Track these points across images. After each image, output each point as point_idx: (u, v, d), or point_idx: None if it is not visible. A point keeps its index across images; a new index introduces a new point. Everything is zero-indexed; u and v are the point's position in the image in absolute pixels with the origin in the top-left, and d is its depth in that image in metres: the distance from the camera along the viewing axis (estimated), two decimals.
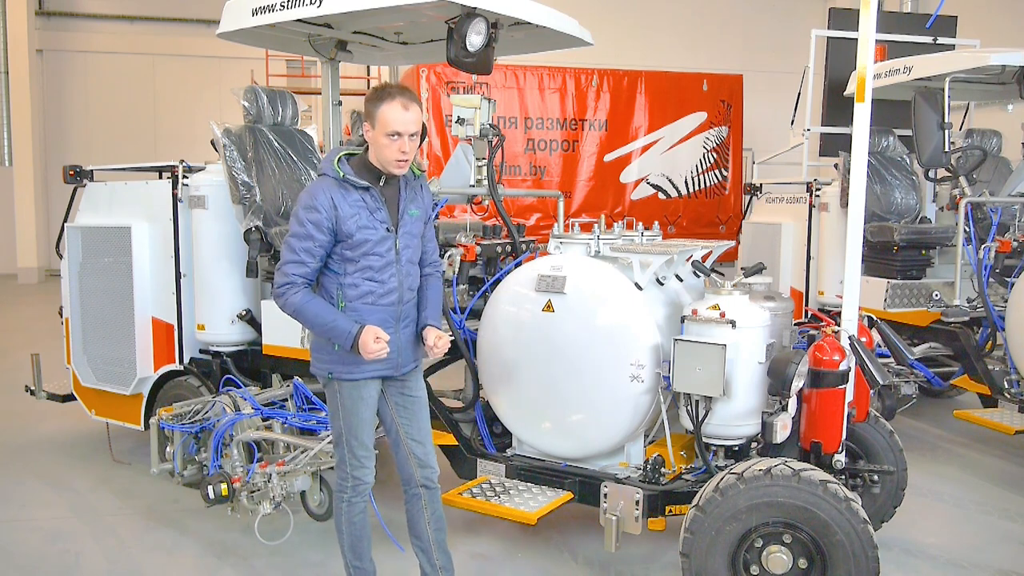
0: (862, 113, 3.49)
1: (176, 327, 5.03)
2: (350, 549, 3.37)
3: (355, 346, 3.07)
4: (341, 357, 3.17)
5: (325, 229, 3.07)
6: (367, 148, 3.18)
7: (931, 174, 6.50)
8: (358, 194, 3.12)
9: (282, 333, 4.61)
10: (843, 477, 3.55)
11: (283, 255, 3.13)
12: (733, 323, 3.48)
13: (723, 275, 3.86)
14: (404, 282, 3.24)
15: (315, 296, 3.14)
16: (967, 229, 5.88)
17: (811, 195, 7.11)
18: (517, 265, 4.37)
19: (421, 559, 3.46)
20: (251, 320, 4.87)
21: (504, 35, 4.33)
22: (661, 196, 12.36)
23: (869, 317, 4.29)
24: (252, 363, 4.93)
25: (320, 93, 5.47)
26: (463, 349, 4.26)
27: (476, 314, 4.30)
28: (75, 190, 5.58)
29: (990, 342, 5.74)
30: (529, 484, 4.01)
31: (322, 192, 3.08)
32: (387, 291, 3.19)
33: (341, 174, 3.10)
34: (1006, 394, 5.51)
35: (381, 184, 3.18)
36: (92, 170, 5.50)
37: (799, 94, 9.09)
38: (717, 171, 12.68)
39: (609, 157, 11.97)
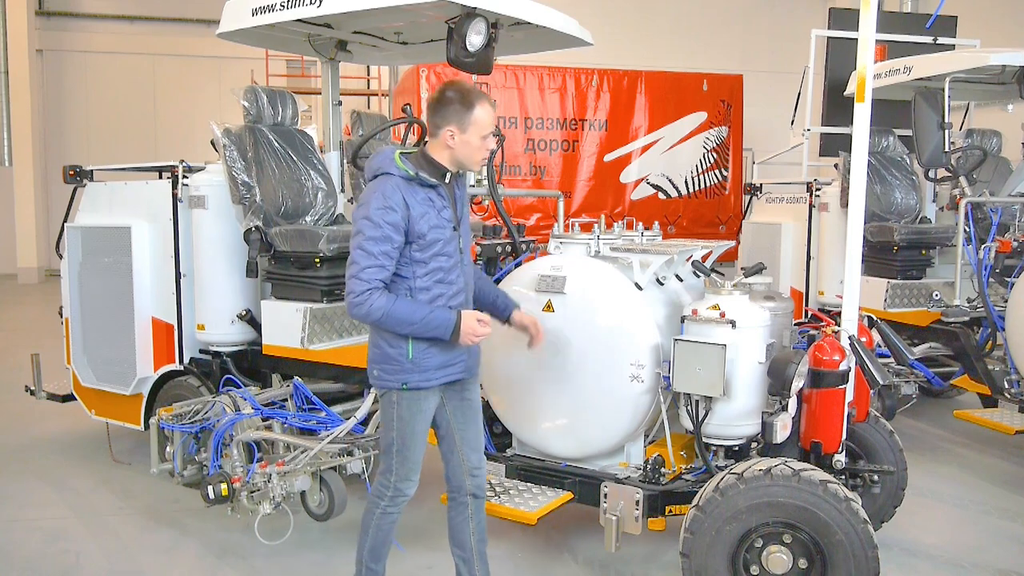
0: (862, 113, 3.49)
1: (176, 327, 5.02)
2: (370, 551, 3.30)
3: (455, 334, 2.98)
4: (416, 364, 3.07)
5: (401, 229, 2.96)
6: (423, 147, 3.13)
7: (931, 174, 6.50)
8: (425, 193, 3.04)
9: (282, 333, 4.62)
10: (843, 477, 3.55)
11: (356, 260, 2.95)
12: (733, 323, 3.48)
13: (723, 275, 3.86)
14: (469, 282, 3.20)
15: (398, 296, 3.00)
16: (967, 229, 5.88)
17: (811, 195, 7.11)
18: (517, 265, 4.37)
19: (460, 568, 3.41)
20: (251, 320, 4.87)
21: (504, 35, 4.33)
22: (661, 196, 12.37)
23: (869, 317, 4.28)
24: (252, 363, 4.93)
25: (320, 93, 5.47)
26: None
27: None
28: (75, 190, 5.58)
29: (990, 342, 5.74)
30: (529, 484, 4.01)
31: (394, 191, 2.97)
32: (456, 292, 3.12)
33: (412, 172, 3.02)
34: (1006, 394, 5.51)
35: (446, 182, 3.12)
36: (92, 170, 5.50)
37: (799, 94, 9.10)
38: (717, 171, 12.68)
39: (609, 157, 11.98)
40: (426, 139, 3.20)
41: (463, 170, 3.16)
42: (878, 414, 4.25)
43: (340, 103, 5.39)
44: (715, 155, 12.63)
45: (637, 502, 3.64)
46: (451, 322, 2.98)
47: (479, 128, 3.02)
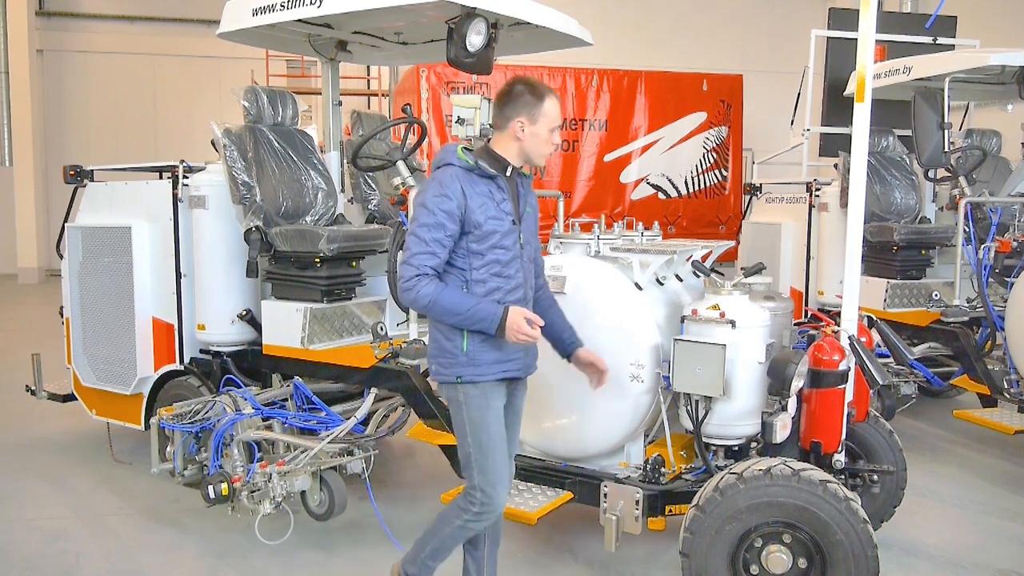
0: (862, 113, 3.49)
1: (176, 327, 5.02)
2: (433, 552, 3.20)
3: (500, 329, 2.91)
4: (471, 359, 3.01)
5: (456, 218, 2.94)
6: (485, 142, 3.16)
7: (931, 174, 6.50)
8: (485, 184, 3.03)
9: (282, 333, 4.62)
10: (843, 477, 3.55)
11: (410, 247, 2.95)
12: (733, 323, 3.48)
13: (723, 275, 3.86)
14: (528, 279, 3.16)
15: (447, 285, 2.97)
16: (967, 229, 5.88)
17: (811, 195, 7.11)
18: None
19: (469, 566, 3.36)
20: (251, 320, 4.87)
21: (504, 35, 4.33)
22: (661, 196, 12.37)
23: (869, 317, 4.29)
24: (252, 363, 4.93)
25: (320, 93, 5.47)
26: None
27: None
28: (75, 190, 5.58)
29: (990, 342, 5.74)
30: (529, 484, 4.01)
31: (452, 180, 2.97)
32: (514, 287, 3.07)
33: (471, 162, 3.01)
34: (1006, 394, 5.51)
35: (507, 175, 3.10)
36: (92, 170, 5.50)
37: (799, 94, 9.10)
38: (717, 171, 12.69)
39: (609, 157, 11.98)
40: (487, 135, 3.22)
41: (529, 164, 3.15)
42: (878, 414, 4.25)
43: (340, 103, 5.40)
44: (715, 155, 12.63)
45: (637, 502, 3.64)
46: (496, 316, 2.91)
47: (548, 120, 3.04)
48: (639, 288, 3.79)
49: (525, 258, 3.13)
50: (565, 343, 3.39)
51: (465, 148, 3.09)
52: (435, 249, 2.93)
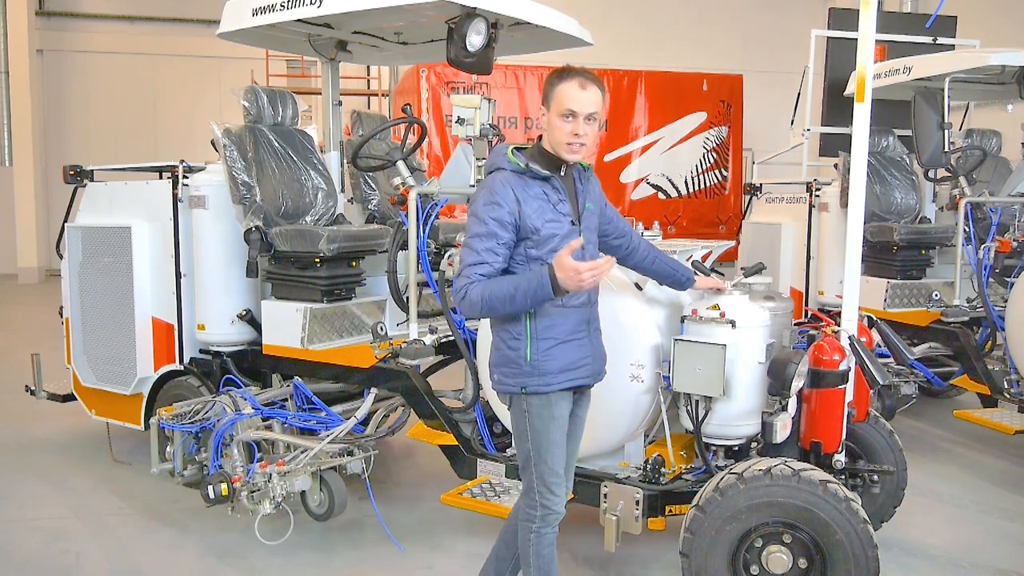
0: (862, 113, 3.49)
1: (176, 327, 5.02)
2: (538, 572, 3.06)
3: (555, 286, 2.68)
4: (535, 368, 2.89)
5: (509, 226, 2.80)
6: (538, 140, 3.00)
7: (931, 174, 6.50)
8: (539, 186, 2.88)
9: (282, 333, 4.62)
10: (843, 477, 3.55)
11: (463, 258, 2.85)
12: (733, 323, 3.48)
13: (723, 275, 3.86)
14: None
15: (492, 279, 2.82)
16: (967, 229, 5.88)
17: (811, 195, 7.11)
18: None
19: (499, 565, 3.31)
20: (251, 320, 4.87)
21: (504, 35, 4.33)
22: (661, 196, 12.38)
23: (869, 317, 4.28)
24: (252, 363, 4.93)
25: (320, 93, 5.47)
26: (463, 349, 4.26)
27: None
28: (75, 190, 5.58)
29: (990, 342, 5.74)
30: None
31: (503, 186, 2.83)
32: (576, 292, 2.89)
33: (522, 164, 2.87)
34: (1006, 394, 5.51)
35: (561, 174, 2.96)
36: (92, 170, 5.50)
37: (799, 94, 9.10)
38: (717, 171, 12.70)
39: (609, 157, 11.99)
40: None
41: (560, 157, 2.91)
42: (878, 414, 4.25)
43: (340, 103, 5.40)
44: (715, 155, 12.64)
45: (637, 502, 3.64)
46: (544, 275, 2.70)
47: (558, 104, 2.81)
48: (639, 288, 3.78)
49: (587, 258, 2.90)
50: (682, 280, 3.53)
51: (516, 149, 2.94)
52: (487, 258, 2.80)
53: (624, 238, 3.37)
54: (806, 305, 7.00)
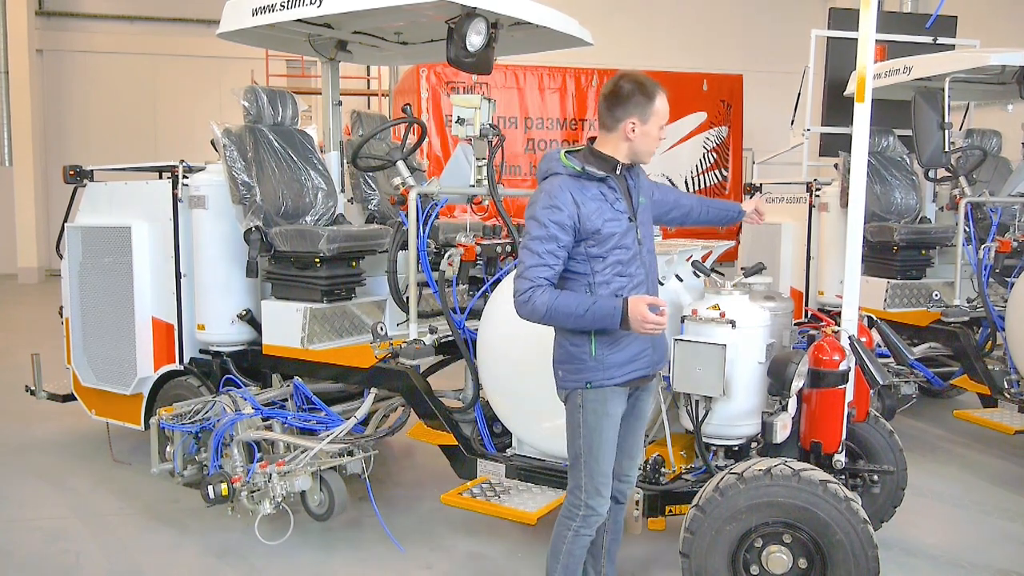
0: (862, 113, 3.49)
1: (176, 327, 5.02)
2: (564, 570, 3.12)
3: (624, 321, 2.81)
4: (599, 362, 2.96)
5: (568, 228, 2.89)
6: (588, 143, 3.07)
7: (931, 174, 6.50)
8: (596, 187, 2.96)
9: (282, 333, 4.62)
10: (843, 477, 3.55)
11: (523, 260, 2.91)
12: (733, 323, 3.48)
13: (723, 275, 3.86)
14: (650, 274, 3.11)
15: (562, 290, 2.93)
16: (967, 229, 5.88)
17: (811, 195, 7.11)
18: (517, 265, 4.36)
19: (587, 563, 3.30)
20: (251, 320, 4.87)
21: (504, 35, 4.33)
22: None
23: (869, 317, 4.29)
24: (252, 363, 4.93)
25: (320, 93, 5.47)
26: (463, 349, 4.26)
27: (476, 314, 4.30)
28: (75, 190, 5.58)
29: (990, 342, 5.74)
30: (529, 484, 4.01)
31: (561, 190, 2.91)
32: (636, 284, 3.00)
33: (578, 168, 2.94)
34: (1006, 394, 5.51)
35: (617, 174, 3.03)
36: (92, 170, 5.50)
37: (799, 94, 9.10)
38: (717, 171, 12.69)
39: None
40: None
41: (636, 162, 3.07)
42: (878, 414, 4.25)
43: (340, 103, 5.40)
44: (715, 155, 12.64)
45: (637, 502, 3.64)
46: (617, 310, 2.81)
47: (659, 118, 2.98)
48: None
49: (645, 252, 3.07)
50: (734, 215, 3.72)
51: (568, 153, 3.01)
52: (548, 261, 2.88)
53: (677, 208, 3.62)
54: (806, 305, 7.00)
